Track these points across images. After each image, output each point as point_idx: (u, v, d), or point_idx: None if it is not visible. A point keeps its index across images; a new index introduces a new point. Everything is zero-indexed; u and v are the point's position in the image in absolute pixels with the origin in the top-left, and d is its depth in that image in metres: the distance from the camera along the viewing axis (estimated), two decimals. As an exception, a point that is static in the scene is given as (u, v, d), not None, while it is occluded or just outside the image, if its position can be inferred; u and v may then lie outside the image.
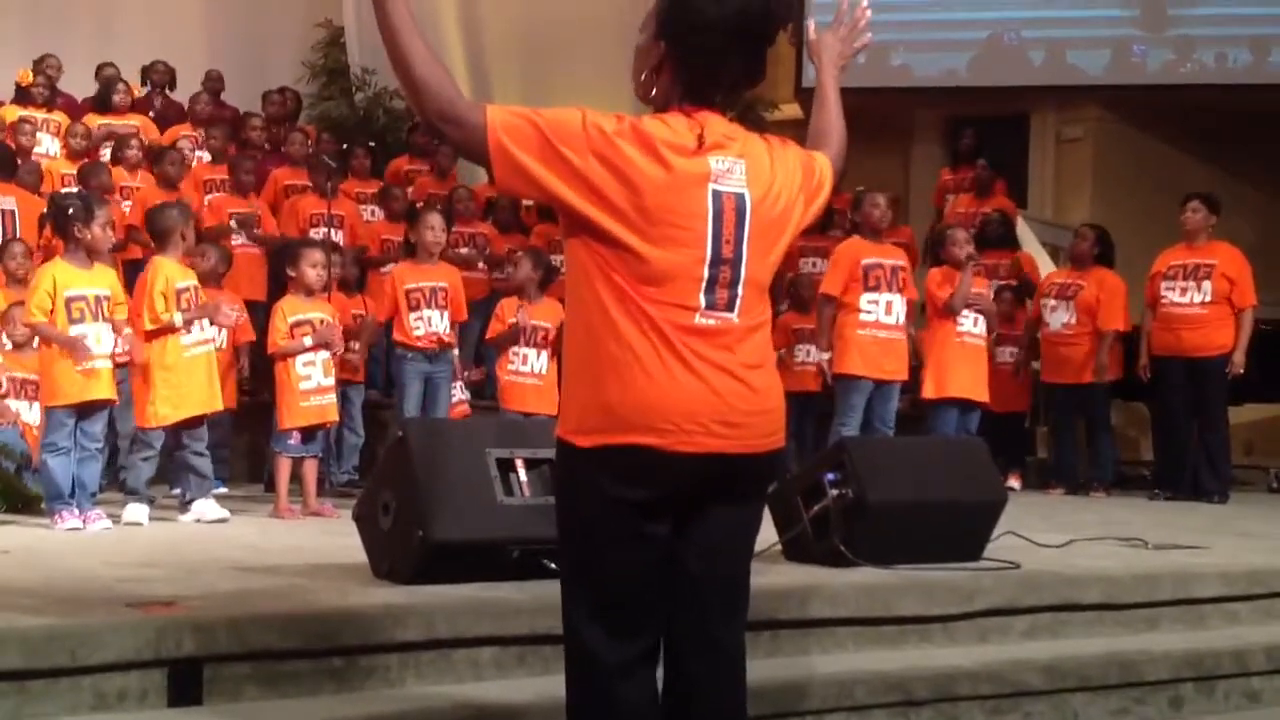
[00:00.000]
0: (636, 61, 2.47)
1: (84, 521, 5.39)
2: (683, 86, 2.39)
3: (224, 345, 6.68)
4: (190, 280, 5.96)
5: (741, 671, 2.49)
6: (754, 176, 2.39)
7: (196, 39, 12.21)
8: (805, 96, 11.72)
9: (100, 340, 5.52)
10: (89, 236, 5.55)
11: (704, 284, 2.33)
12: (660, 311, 2.31)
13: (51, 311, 5.45)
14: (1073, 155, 11.17)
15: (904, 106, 11.55)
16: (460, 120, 2.30)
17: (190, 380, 5.83)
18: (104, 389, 5.53)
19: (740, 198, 2.36)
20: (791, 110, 11.92)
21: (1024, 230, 9.73)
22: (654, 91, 2.44)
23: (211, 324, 6.00)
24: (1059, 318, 8.08)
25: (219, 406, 5.99)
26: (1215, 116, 10.44)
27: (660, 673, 2.46)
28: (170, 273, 5.93)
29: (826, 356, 6.95)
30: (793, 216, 2.47)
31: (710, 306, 2.34)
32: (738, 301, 2.36)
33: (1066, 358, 8.03)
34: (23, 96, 9.86)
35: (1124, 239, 8.68)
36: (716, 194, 2.34)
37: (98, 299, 5.54)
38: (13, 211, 7.68)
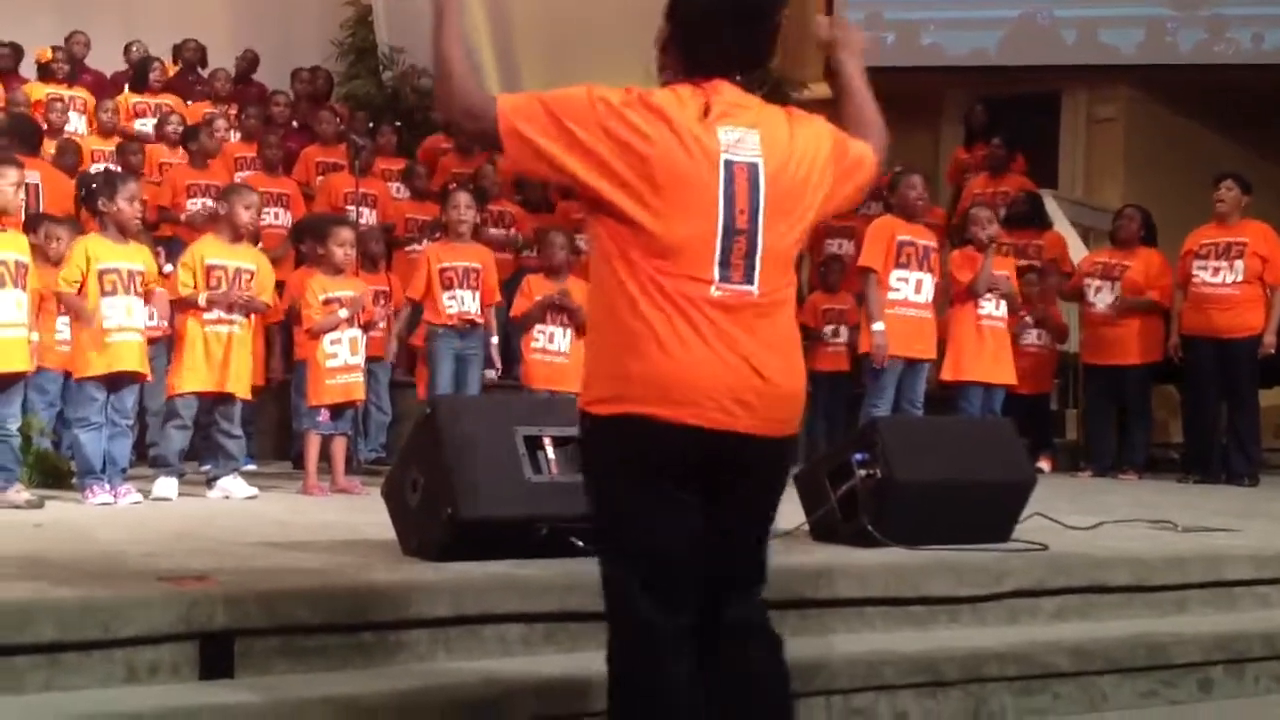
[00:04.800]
0: (656, 43, 2.53)
1: (115, 496, 5.44)
2: (685, 66, 2.44)
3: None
4: (227, 259, 5.96)
5: (778, 647, 2.50)
6: (769, 146, 2.39)
7: (224, 17, 12.24)
8: (836, 75, 11.66)
9: (131, 313, 5.56)
10: (114, 211, 5.59)
11: (718, 255, 2.33)
12: (675, 284, 2.32)
13: (82, 284, 5.49)
14: (1104, 135, 11.07)
15: (934, 86, 11.47)
16: (477, 113, 2.38)
17: (206, 356, 5.85)
18: (132, 361, 5.56)
19: (753, 167, 2.37)
20: (821, 89, 11.82)
21: (1054, 210, 9.66)
22: (666, 72, 2.48)
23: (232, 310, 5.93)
24: (1103, 298, 7.99)
25: (238, 387, 5.93)
26: (1248, 96, 10.33)
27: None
28: (204, 250, 5.97)
29: (880, 327, 6.77)
30: (818, 189, 2.46)
31: (725, 279, 2.34)
32: (756, 273, 2.36)
33: (1109, 338, 7.95)
34: (45, 73, 9.90)
35: (1158, 220, 8.60)
36: (728, 164, 2.35)
37: (131, 273, 5.58)
38: (37, 186, 7.71)
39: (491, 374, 7.28)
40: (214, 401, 5.94)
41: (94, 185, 5.66)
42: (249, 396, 6.09)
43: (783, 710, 2.53)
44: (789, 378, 2.41)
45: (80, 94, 9.77)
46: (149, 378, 5.81)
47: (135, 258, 5.66)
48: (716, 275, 2.33)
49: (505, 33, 12.73)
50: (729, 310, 2.33)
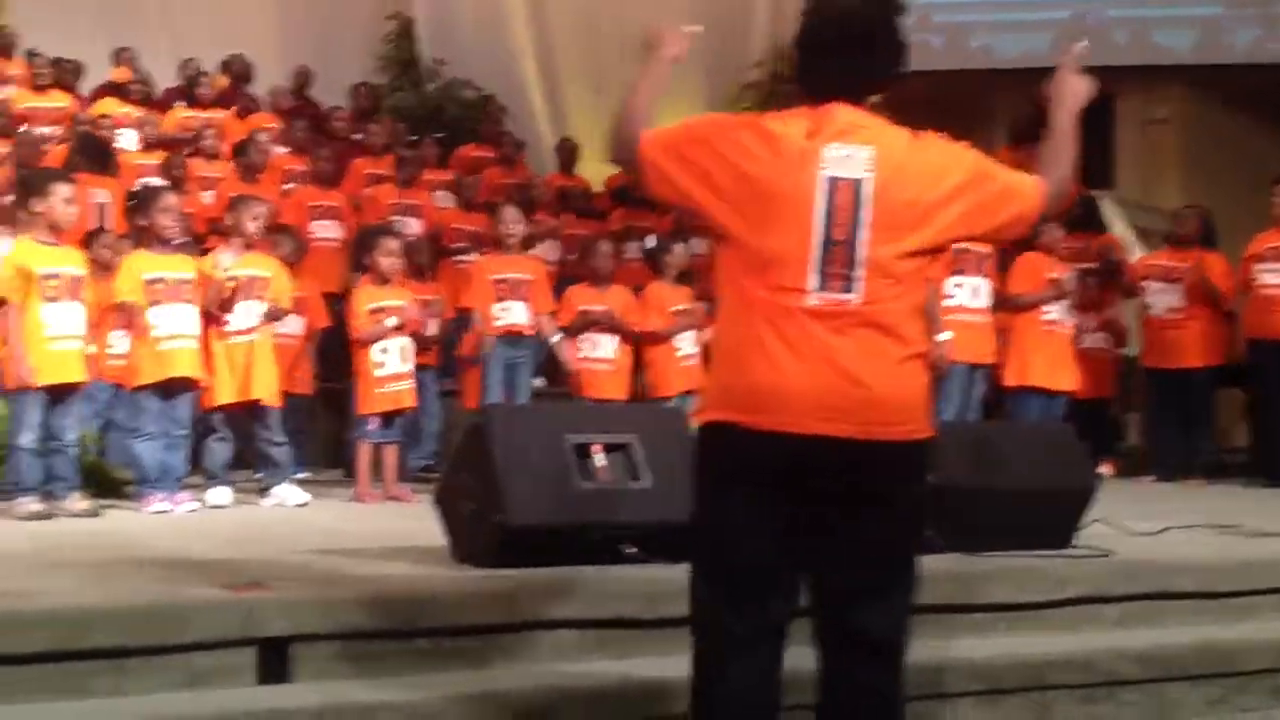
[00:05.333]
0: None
1: (172, 504, 5.47)
2: (801, 89, 2.54)
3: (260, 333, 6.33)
4: (238, 269, 5.95)
5: (888, 662, 2.49)
6: (882, 164, 2.43)
7: (267, 31, 12.35)
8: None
9: (179, 320, 5.59)
10: (151, 223, 5.69)
11: (817, 266, 2.40)
12: (771, 296, 2.40)
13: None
14: (1159, 136, 10.93)
15: (984, 89, 11.37)
16: (628, 145, 2.55)
17: (229, 368, 5.87)
18: (183, 367, 5.59)
19: (858, 183, 2.42)
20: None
21: (1111, 211, 9.54)
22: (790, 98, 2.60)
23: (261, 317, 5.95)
24: (1164, 301, 7.85)
25: (264, 394, 5.91)
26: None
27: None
28: (217, 259, 6.00)
29: (947, 336, 6.58)
30: (939, 209, 2.45)
31: (823, 288, 2.40)
32: (856, 285, 2.40)
33: (1170, 342, 7.80)
34: (119, 92, 10.02)
35: (1216, 219, 8.46)
36: (831, 179, 2.41)
37: (179, 282, 5.62)
38: (105, 205, 7.78)
39: (538, 381, 7.29)
40: (249, 412, 5.96)
41: (134, 202, 5.76)
42: (277, 403, 6.04)
43: None
44: (892, 383, 2.41)
45: (137, 112, 9.85)
46: (203, 384, 5.81)
47: (182, 266, 5.69)
48: (814, 285, 2.39)
49: (547, 44, 12.77)
50: (825, 318, 2.39)
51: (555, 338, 7.04)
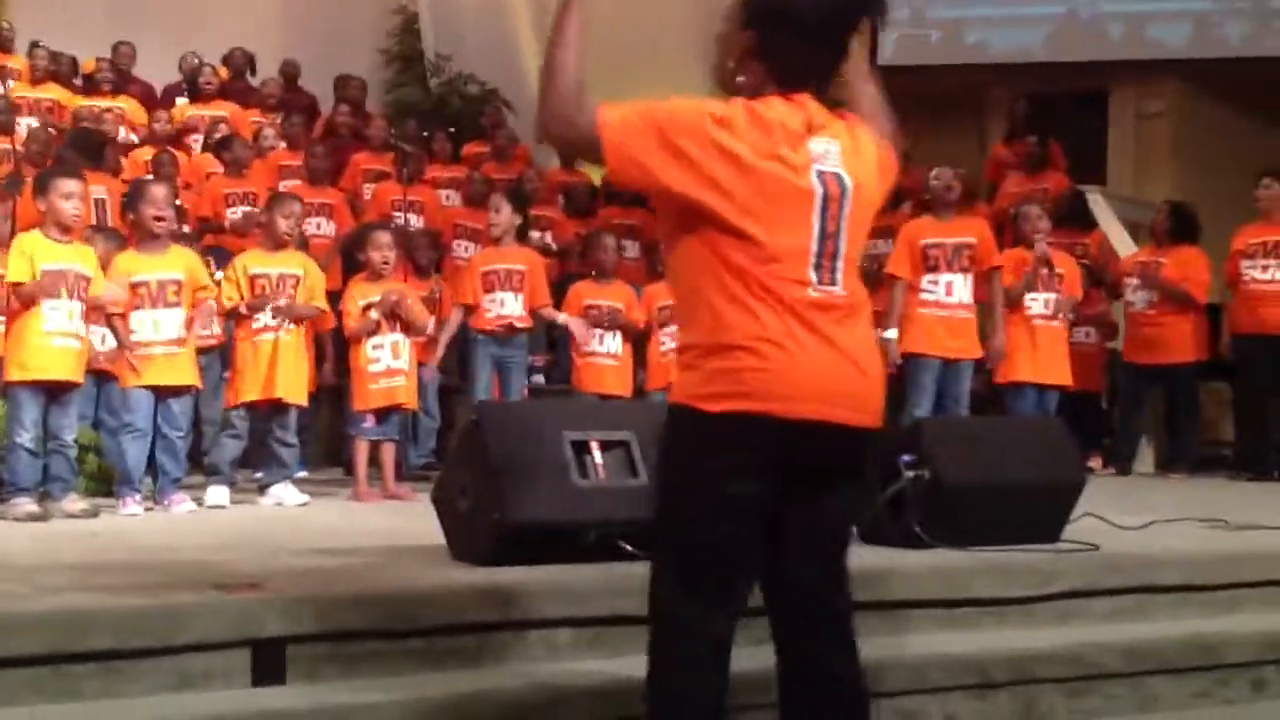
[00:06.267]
0: (719, 51, 2.53)
1: (168, 505, 5.51)
2: (776, 75, 2.45)
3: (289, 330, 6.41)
4: (268, 267, 6.04)
5: (851, 630, 2.54)
6: (848, 157, 2.47)
7: (272, 27, 12.35)
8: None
9: (159, 326, 5.58)
10: (139, 218, 5.69)
11: (813, 260, 2.42)
12: (782, 287, 2.38)
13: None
14: (1153, 130, 10.94)
15: (979, 84, 11.39)
16: (575, 121, 2.37)
17: (252, 365, 5.91)
18: (169, 375, 5.57)
19: (839, 177, 2.45)
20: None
21: (1103, 207, 9.56)
22: (741, 79, 2.49)
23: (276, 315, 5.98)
24: (1142, 296, 7.93)
25: (289, 393, 5.95)
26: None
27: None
28: (246, 260, 6.06)
29: (892, 335, 6.86)
30: (877, 195, 2.56)
31: (820, 282, 2.42)
32: (839, 276, 2.45)
33: (1150, 338, 7.86)
34: (90, 84, 10.04)
35: (1206, 214, 8.47)
36: (820, 173, 2.42)
37: (161, 284, 5.60)
38: (103, 200, 7.79)
39: (537, 379, 7.32)
40: (269, 410, 6.00)
41: (124, 199, 5.78)
42: (303, 402, 6.12)
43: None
44: (879, 371, 2.50)
45: (122, 104, 9.86)
46: (196, 389, 5.81)
47: (169, 266, 5.64)
48: (813, 278, 2.41)
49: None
50: (825, 310, 2.41)
51: (561, 317, 7.05)
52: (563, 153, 9.25)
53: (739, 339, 2.37)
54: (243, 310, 5.93)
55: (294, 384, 6.01)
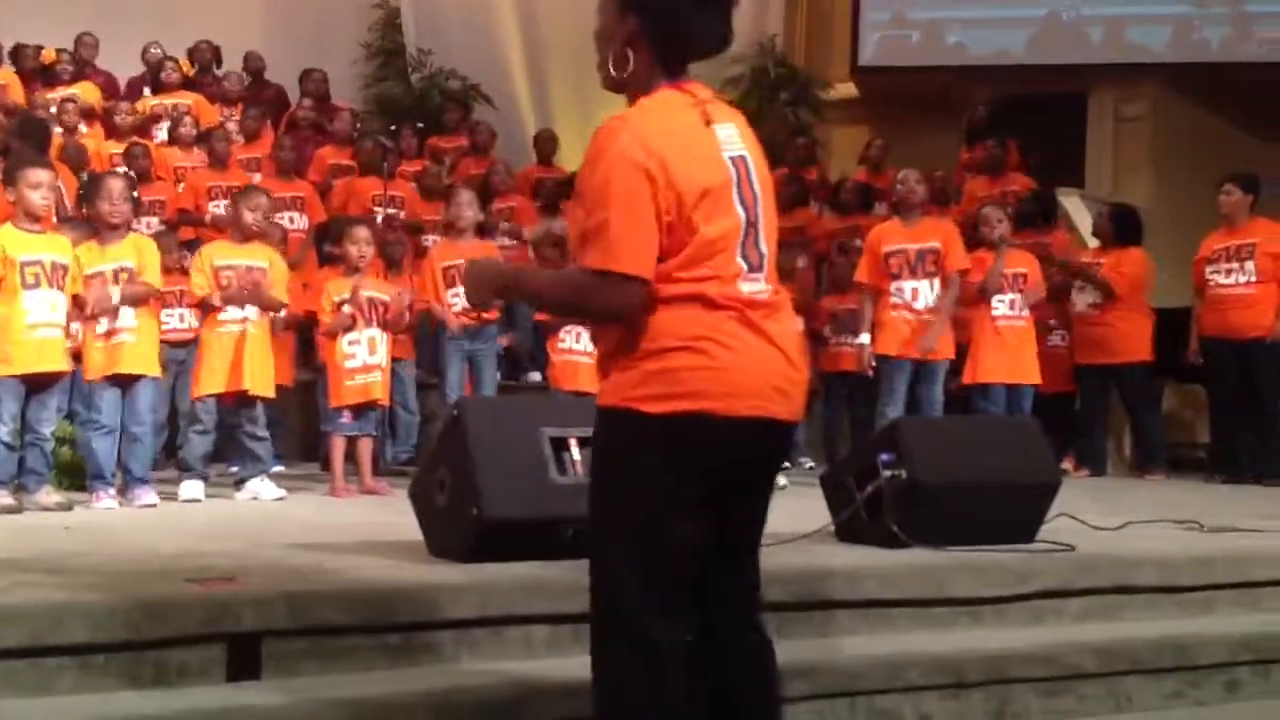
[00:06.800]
0: (602, 46, 2.46)
1: (133, 500, 5.47)
2: (662, 59, 2.40)
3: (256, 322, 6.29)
4: (236, 259, 6.01)
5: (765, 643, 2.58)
6: (746, 140, 2.47)
7: (253, 21, 12.32)
8: (862, 75, 11.64)
9: (121, 315, 5.54)
10: (96, 211, 5.65)
11: (740, 250, 2.39)
12: (716, 287, 2.35)
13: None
14: (1132, 133, 10.99)
15: (960, 85, 11.43)
16: (610, 306, 2.34)
17: (219, 357, 5.89)
18: (129, 363, 5.53)
19: (744, 159, 2.43)
20: (847, 89, 11.83)
21: (1079, 209, 9.61)
22: (629, 70, 2.42)
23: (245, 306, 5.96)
24: (1084, 298, 7.99)
25: (256, 385, 5.93)
26: (1275, 94, 10.24)
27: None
28: (213, 252, 6.04)
29: (864, 341, 6.95)
30: (769, 177, 2.53)
31: (750, 271, 2.40)
32: (765, 263, 2.43)
33: (1097, 338, 7.93)
34: (49, 75, 9.96)
35: (1185, 219, 8.55)
36: (731, 159, 2.41)
37: (115, 274, 5.56)
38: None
39: (535, 376, 7.28)
40: (237, 403, 5.98)
41: (81, 192, 5.76)
42: (270, 394, 6.09)
43: (772, 712, 2.57)
44: (805, 365, 2.52)
45: (75, 91, 9.75)
46: (155, 376, 5.71)
47: (123, 255, 5.59)
48: (744, 268, 2.39)
49: (533, 35, 12.77)
50: (757, 304, 2.39)
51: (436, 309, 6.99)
52: (483, 144, 9.25)
53: (675, 339, 2.32)
54: (215, 302, 5.89)
55: (261, 376, 5.98)
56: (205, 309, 5.99)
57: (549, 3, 12.68)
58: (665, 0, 2.37)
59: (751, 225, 2.40)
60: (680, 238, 2.34)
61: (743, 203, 2.40)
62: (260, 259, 6.10)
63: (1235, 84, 10.47)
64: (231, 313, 5.93)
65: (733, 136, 2.42)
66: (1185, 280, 8.04)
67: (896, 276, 6.90)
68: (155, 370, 5.71)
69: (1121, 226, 8.09)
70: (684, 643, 2.41)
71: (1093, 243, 8.57)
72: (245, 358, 5.91)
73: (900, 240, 6.97)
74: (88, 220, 5.92)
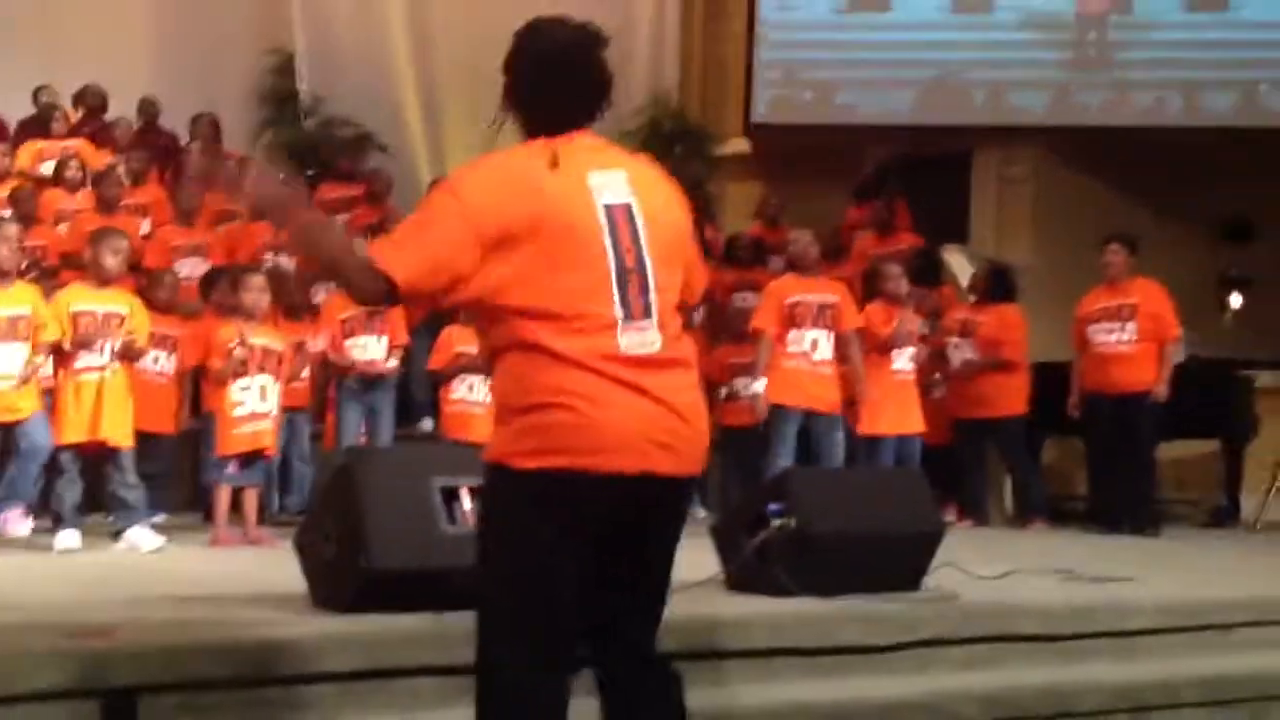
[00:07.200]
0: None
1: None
2: (531, 123, 2.49)
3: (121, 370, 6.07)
4: (94, 305, 5.86)
5: (669, 675, 2.56)
6: (639, 187, 2.47)
7: (144, 64, 12.11)
8: (755, 132, 11.82)
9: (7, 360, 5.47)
10: None
11: (616, 297, 2.38)
12: (581, 341, 2.35)
13: None
14: (1014, 194, 11.29)
15: (851, 144, 11.66)
16: (374, 288, 2.36)
17: (76, 406, 5.72)
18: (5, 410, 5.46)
19: (628, 208, 2.44)
20: (740, 144, 12.00)
21: (962, 264, 9.85)
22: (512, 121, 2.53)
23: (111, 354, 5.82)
24: (959, 354, 8.18)
25: (114, 435, 5.78)
26: (1149, 158, 10.63)
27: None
28: (70, 297, 5.89)
29: (760, 388, 7.01)
30: (686, 242, 2.56)
31: (628, 320, 2.38)
32: (654, 312, 2.41)
33: (973, 393, 8.10)
34: None
35: (1065, 277, 8.78)
36: (606, 207, 2.42)
37: (11, 320, 5.45)
38: None
39: (427, 424, 7.22)
40: (99, 453, 5.82)
41: None
42: (129, 444, 5.89)
43: None
44: (701, 418, 2.48)
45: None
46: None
47: (15, 302, 5.52)
48: (620, 316, 2.37)
49: (429, 82, 12.76)
50: (634, 361, 2.37)
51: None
52: (380, 193, 9.45)
53: (545, 396, 2.34)
54: (66, 347, 5.72)
55: (119, 425, 5.81)
56: (59, 355, 5.80)
57: (445, 51, 12.69)
58: (520, 70, 2.50)
59: (631, 271, 2.39)
60: (513, 269, 2.34)
61: (616, 249, 2.39)
62: (119, 304, 5.95)
63: (1112, 147, 10.84)
64: (87, 360, 5.77)
65: (613, 183, 2.43)
66: (1063, 335, 8.26)
67: (799, 325, 7.01)
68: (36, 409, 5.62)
69: (997, 284, 8.31)
70: (556, 693, 2.40)
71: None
72: (105, 406, 5.75)
73: (802, 291, 7.12)
74: None
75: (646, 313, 2.40)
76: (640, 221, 2.44)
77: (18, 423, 5.66)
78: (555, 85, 2.46)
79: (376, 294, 2.38)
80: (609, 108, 2.51)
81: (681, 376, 2.45)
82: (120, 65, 11.47)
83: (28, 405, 5.74)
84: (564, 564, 2.37)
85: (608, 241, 2.39)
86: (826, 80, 11.90)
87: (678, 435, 2.41)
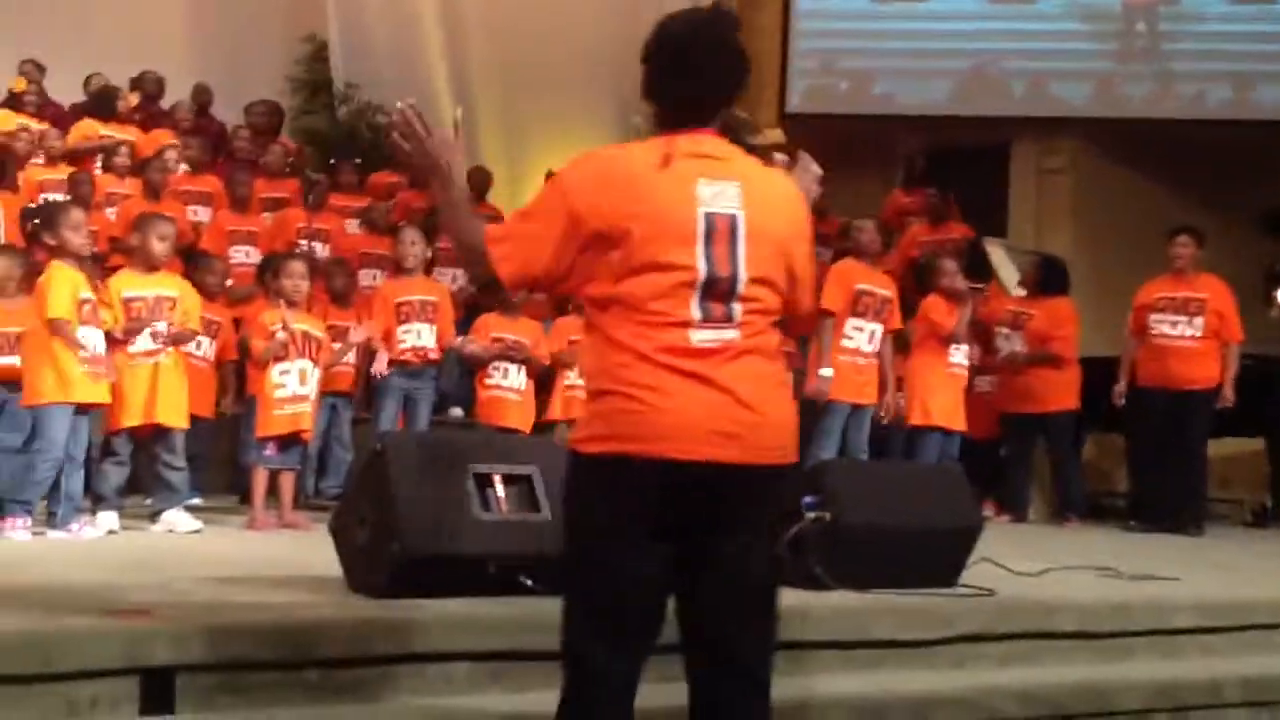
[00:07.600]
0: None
1: (75, 530, 5.36)
2: (659, 115, 2.54)
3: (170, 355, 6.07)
4: (145, 290, 5.89)
5: (762, 692, 2.52)
6: (750, 198, 2.48)
7: (178, 51, 12.17)
8: (789, 122, 11.77)
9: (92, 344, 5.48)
10: (62, 242, 5.52)
11: (698, 299, 2.42)
12: (658, 333, 2.40)
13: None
14: (1053, 186, 11.19)
15: (887, 134, 11.59)
16: (475, 271, 2.64)
17: (132, 390, 5.75)
18: (89, 391, 5.46)
19: (733, 218, 2.46)
20: (775, 134, 11.95)
21: (1002, 258, 9.77)
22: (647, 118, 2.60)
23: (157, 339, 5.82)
24: (1009, 345, 8.08)
25: (169, 417, 5.81)
26: (1191, 150, 10.51)
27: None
28: (120, 284, 5.91)
29: (829, 373, 6.86)
30: (798, 242, 2.56)
31: (706, 321, 2.42)
32: (735, 319, 2.44)
33: (1024, 387, 8.00)
34: (15, 103, 9.82)
35: (1105, 269, 8.70)
36: (708, 215, 2.44)
37: (95, 303, 5.52)
38: None
39: (457, 411, 7.23)
40: (152, 435, 5.86)
41: (38, 219, 5.59)
42: (184, 425, 5.94)
43: None
44: (776, 407, 2.48)
45: (35, 124, 9.64)
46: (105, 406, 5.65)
47: (85, 286, 5.55)
48: (697, 318, 2.42)
49: (461, 71, 12.78)
50: (706, 351, 2.41)
51: (458, 341, 7.01)
52: (422, 180, 9.27)
53: (611, 384, 2.42)
54: (117, 335, 5.75)
55: (175, 407, 5.85)
56: (112, 342, 5.83)
57: (477, 41, 12.70)
58: (650, 61, 2.54)
59: (720, 280, 2.42)
60: (605, 264, 2.42)
61: (709, 256, 2.42)
62: (170, 288, 5.97)
63: (1154, 139, 10.72)
64: (142, 344, 5.80)
65: (723, 194, 2.45)
66: (1104, 330, 8.17)
67: (862, 315, 6.94)
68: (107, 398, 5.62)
69: (1049, 277, 8.20)
70: (625, 678, 2.44)
71: (1018, 291, 8.70)
72: (160, 389, 5.79)
73: (870, 282, 7.05)
74: (54, 249, 5.71)
75: (728, 318, 2.44)
76: (742, 233, 2.45)
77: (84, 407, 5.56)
78: (681, 72, 2.51)
79: (483, 273, 2.52)
80: (744, 90, 2.57)
81: (755, 365, 2.46)
82: (155, 51, 11.54)
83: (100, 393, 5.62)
84: (629, 549, 2.40)
85: (700, 248, 2.42)
86: (863, 70, 11.82)
87: (743, 424, 2.41)
